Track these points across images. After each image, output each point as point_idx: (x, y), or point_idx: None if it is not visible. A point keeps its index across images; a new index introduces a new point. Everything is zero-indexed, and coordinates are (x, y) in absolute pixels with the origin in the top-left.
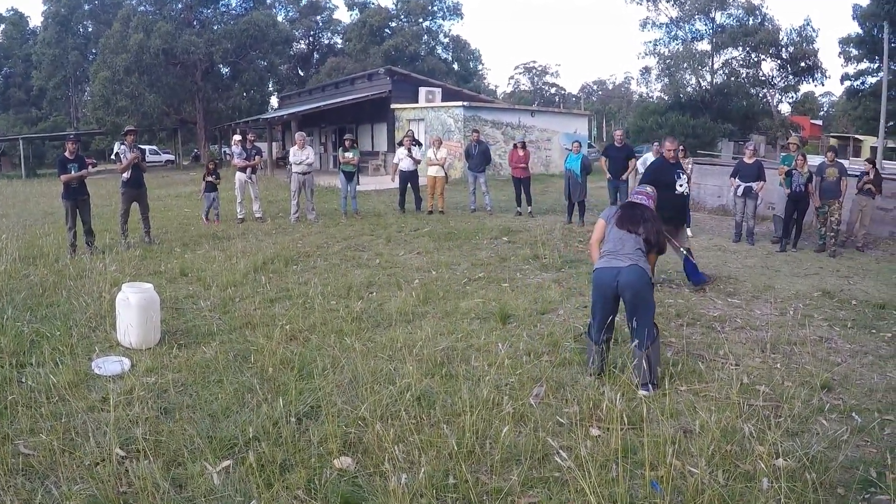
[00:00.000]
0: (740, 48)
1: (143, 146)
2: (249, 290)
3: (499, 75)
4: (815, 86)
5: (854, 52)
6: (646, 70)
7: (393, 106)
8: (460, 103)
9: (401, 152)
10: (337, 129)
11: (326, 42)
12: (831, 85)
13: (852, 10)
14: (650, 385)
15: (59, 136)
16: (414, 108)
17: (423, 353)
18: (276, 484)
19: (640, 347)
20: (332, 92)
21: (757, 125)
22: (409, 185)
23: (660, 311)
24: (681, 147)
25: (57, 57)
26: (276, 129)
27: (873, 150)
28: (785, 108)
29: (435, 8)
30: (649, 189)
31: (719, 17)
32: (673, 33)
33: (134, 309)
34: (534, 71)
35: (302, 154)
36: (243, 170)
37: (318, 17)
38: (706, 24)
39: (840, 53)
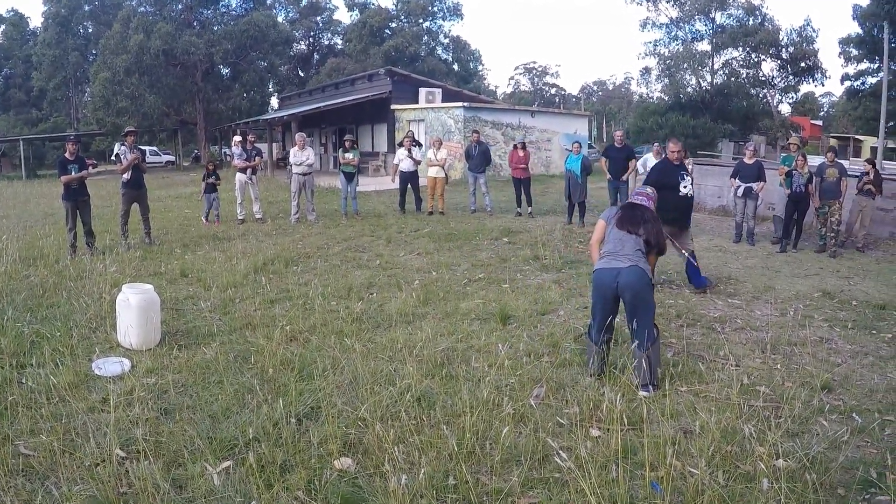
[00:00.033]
0: (740, 48)
1: (143, 147)
2: (250, 291)
3: (499, 76)
4: (816, 86)
5: (854, 52)
6: (646, 70)
7: (393, 107)
8: (460, 104)
9: (401, 153)
10: (337, 129)
11: (326, 43)
12: (831, 85)
13: (852, 11)
14: (650, 386)
15: (59, 137)
16: (414, 109)
17: (423, 354)
18: (277, 485)
19: (640, 348)
20: (332, 93)
21: (757, 125)
22: (409, 185)
23: (660, 312)
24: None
25: (57, 58)
26: (277, 130)
27: (873, 150)
28: (785, 109)
29: (435, 8)
30: (649, 190)
31: (719, 18)
32: (673, 34)
33: (134, 310)
34: (534, 71)
35: (302, 155)
36: (243, 171)
37: (319, 18)
38: (706, 25)
39: (840, 54)
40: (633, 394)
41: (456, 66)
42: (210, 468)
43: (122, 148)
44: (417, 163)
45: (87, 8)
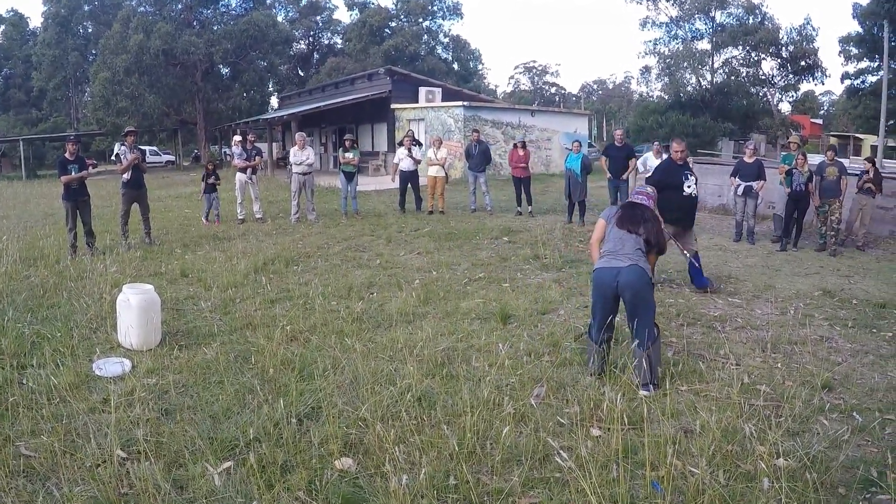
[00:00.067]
0: (740, 47)
1: (143, 147)
2: (250, 291)
3: (499, 75)
4: (816, 85)
5: (854, 50)
6: (646, 69)
7: (393, 106)
8: (460, 103)
9: (401, 152)
10: (337, 129)
11: (326, 42)
12: (831, 84)
13: (852, 9)
14: (651, 385)
15: (59, 137)
16: (414, 108)
17: (423, 354)
18: (277, 485)
19: (640, 347)
20: (332, 92)
21: (757, 124)
22: (409, 185)
23: (660, 311)
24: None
25: (57, 58)
26: (277, 130)
27: (874, 148)
28: (785, 107)
29: (435, 8)
30: (649, 189)
31: (719, 17)
32: (673, 32)
33: (135, 310)
34: (534, 70)
35: (302, 154)
36: (244, 170)
37: (318, 18)
38: (706, 24)
39: (840, 52)
40: (634, 393)
41: (456, 66)
42: (211, 469)
43: (122, 148)
44: (417, 162)
45: (86, 8)
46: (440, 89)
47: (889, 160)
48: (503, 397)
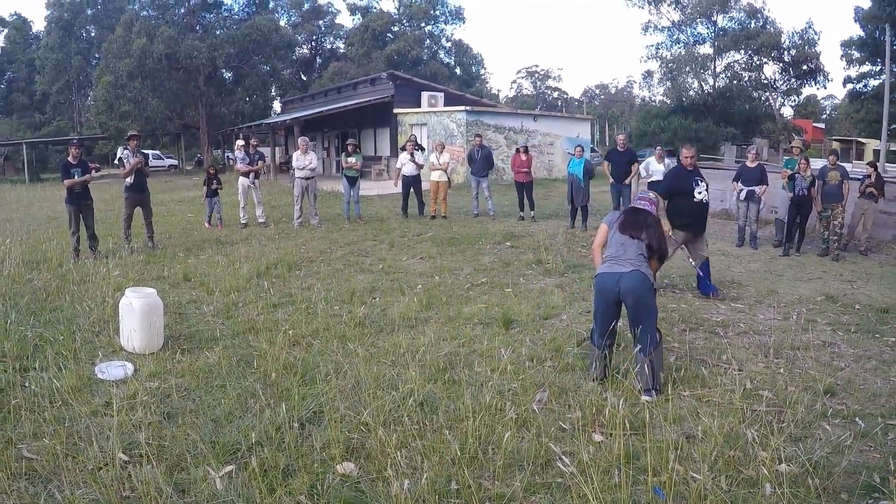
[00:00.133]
0: (742, 51)
1: (146, 151)
2: (252, 296)
3: (501, 80)
4: (818, 89)
5: (856, 54)
6: (648, 74)
7: (395, 110)
8: (463, 108)
9: (403, 157)
10: (340, 133)
11: (329, 47)
12: (834, 88)
13: (854, 13)
14: (653, 390)
15: (62, 141)
16: (416, 113)
17: (425, 359)
18: (279, 489)
19: (642, 353)
20: (334, 97)
21: (759, 128)
22: (411, 189)
23: (663, 316)
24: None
25: (60, 61)
26: (279, 134)
27: (876, 153)
28: (787, 112)
29: (437, 12)
30: (652, 195)
31: (721, 21)
32: (675, 37)
33: (137, 314)
34: (536, 75)
35: (305, 159)
36: (246, 175)
37: (321, 22)
38: (708, 28)
39: (842, 56)
40: (636, 398)
41: (458, 70)
42: (213, 472)
43: (125, 152)
44: (420, 167)
45: (89, 12)
46: (443, 94)
47: (891, 164)
48: (505, 402)
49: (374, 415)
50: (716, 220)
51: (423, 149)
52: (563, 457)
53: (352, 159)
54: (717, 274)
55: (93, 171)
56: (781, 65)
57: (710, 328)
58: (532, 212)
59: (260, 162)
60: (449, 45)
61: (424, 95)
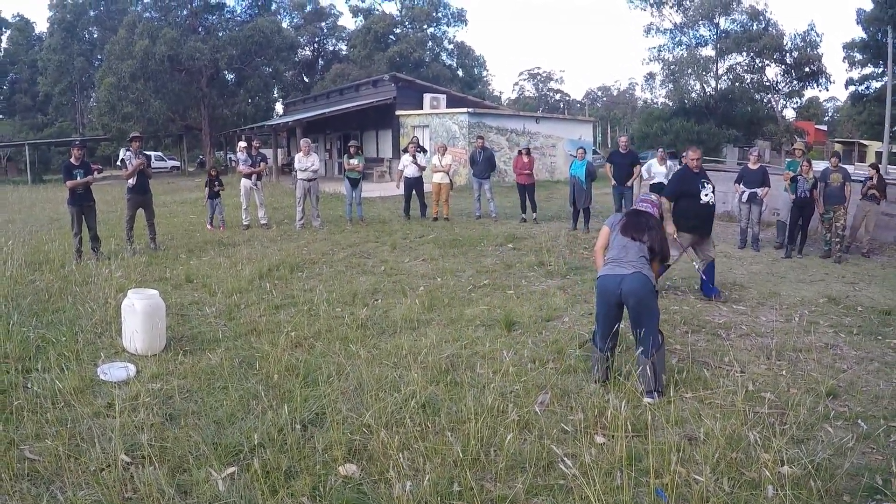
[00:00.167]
0: (744, 53)
1: (148, 152)
2: (255, 297)
3: (503, 81)
4: (820, 91)
5: (858, 56)
6: (650, 76)
7: (398, 112)
8: (465, 110)
9: (405, 159)
10: (342, 135)
11: (331, 48)
12: (836, 90)
13: (856, 15)
14: (655, 392)
15: (64, 142)
16: (418, 115)
17: (427, 361)
18: (281, 491)
19: (644, 355)
20: (336, 98)
21: (761, 131)
22: (413, 191)
23: (665, 318)
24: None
25: (63, 63)
26: (282, 136)
27: (878, 154)
28: (789, 114)
29: (439, 14)
30: (654, 197)
31: (723, 23)
32: (677, 39)
33: (139, 315)
34: (538, 77)
35: (307, 161)
36: (248, 176)
37: (323, 24)
38: (710, 30)
39: (844, 58)
40: (638, 400)
41: (460, 72)
42: (215, 474)
43: (128, 153)
44: (422, 169)
45: (92, 13)
46: (445, 96)
47: (893, 166)
48: (507, 404)
49: (376, 416)
50: (718, 222)
51: (425, 151)
52: (565, 459)
53: (354, 161)
54: (719, 276)
55: (95, 173)
56: (783, 67)
57: (712, 330)
58: (534, 214)
59: (262, 163)
60: (451, 47)
61: (426, 97)
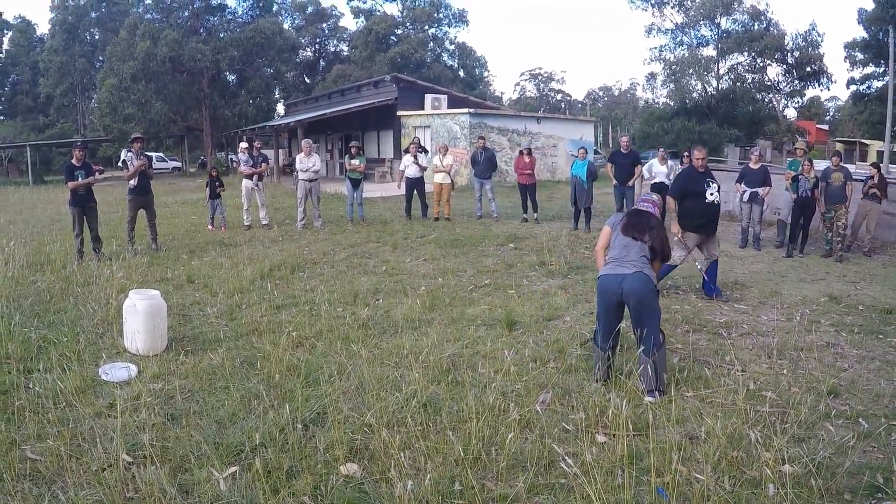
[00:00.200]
0: (746, 53)
1: (149, 153)
2: (256, 297)
3: (504, 82)
4: (821, 90)
5: (860, 56)
6: (651, 76)
7: (399, 113)
8: (466, 110)
9: (407, 159)
10: (343, 136)
11: (332, 49)
12: (837, 89)
13: (857, 14)
14: (656, 391)
15: (66, 143)
16: (420, 115)
17: (429, 360)
18: (283, 490)
19: (646, 354)
20: (338, 99)
21: (763, 130)
22: (415, 192)
23: (666, 317)
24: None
25: (64, 64)
26: (283, 137)
27: (880, 154)
28: (791, 113)
29: (441, 15)
30: (655, 197)
31: (725, 23)
32: (678, 39)
33: (141, 315)
34: (539, 77)
35: (308, 161)
36: (250, 177)
37: (324, 25)
38: (711, 30)
39: (846, 58)
40: (639, 399)
41: (461, 73)
42: (216, 473)
43: (129, 154)
44: (423, 169)
45: (93, 15)
46: (446, 96)
47: (895, 165)
48: (508, 403)
49: (377, 416)
50: (720, 222)
51: (426, 151)
52: (567, 458)
53: (355, 161)
54: (721, 275)
55: (96, 174)
56: (785, 67)
57: (713, 329)
58: (535, 214)
59: (263, 164)
60: (452, 47)
61: (428, 98)
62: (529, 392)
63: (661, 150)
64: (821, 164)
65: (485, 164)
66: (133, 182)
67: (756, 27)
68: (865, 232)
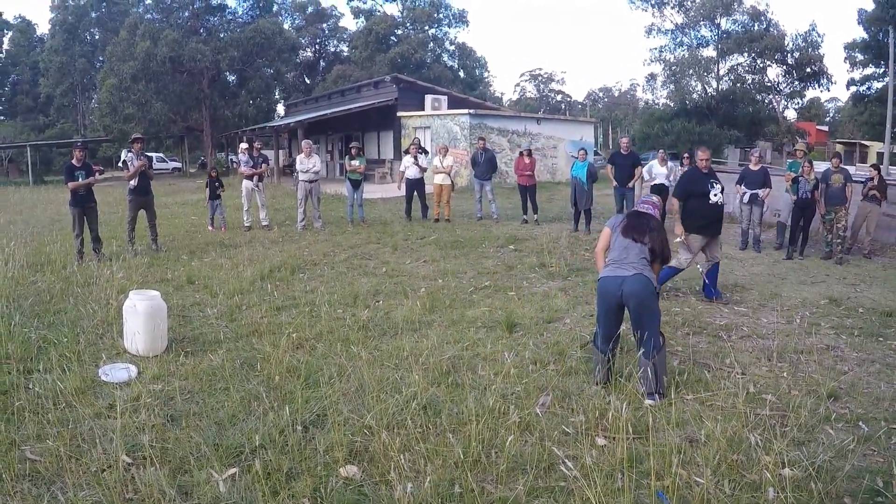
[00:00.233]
0: (746, 54)
1: (149, 153)
2: (256, 299)
3: (504, 83)
4: (821, 91)
5: (860, 57)
6: (651, 77)
7: (399, 114)
8: (466, 111)
9: (407, 160)
10: (343, 136)
11: (332, 50)
12: (837, 90)
13: (857, 15)
14: (656, 394)
15: (66, 143)
16: (420, 116)
17: (429, 362)
18: (282, 492)
19: (646, 356)
20: (338, 100)
21: (763, 131)
22: (415, 193)
23: (666, 320)
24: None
25: (64, 64)
26: (283, 137)
27: (880, 155)
28: (791, 114)
29: (441, 16)
30: (655, 198)
31: (725, 24)
32: (678, 40)
33: (141, 316)
34: (539, 78)
35: (308, 162)
36: (250, 178)
37: (325, 25)
38: (712, 31)
39: (846, 59)
40: (639, 402)
41: (462, 73)
42: (216, 475)
43: (129, 155)
44: (423, 170)
45: (94, 15)
46: (446, 97)
47: (895, 167)
48: (508, 406)
49: (377, 418)
50: None
51: (426, 152)
52: (567, 460)
53: (355, 162)
54: (721, 277)
55: (97, 174)
56: (785, 67)
57: (713, 332)
58: (535, 215)
59: (263, 165)
60: (452, 48)
61: (428, 98)
62: (529, 394)
63: (661, 151)
64: (821, 166)
65: (485, 165)
66: (133, 182)
67: (756, 28)
68: (865, 234)
